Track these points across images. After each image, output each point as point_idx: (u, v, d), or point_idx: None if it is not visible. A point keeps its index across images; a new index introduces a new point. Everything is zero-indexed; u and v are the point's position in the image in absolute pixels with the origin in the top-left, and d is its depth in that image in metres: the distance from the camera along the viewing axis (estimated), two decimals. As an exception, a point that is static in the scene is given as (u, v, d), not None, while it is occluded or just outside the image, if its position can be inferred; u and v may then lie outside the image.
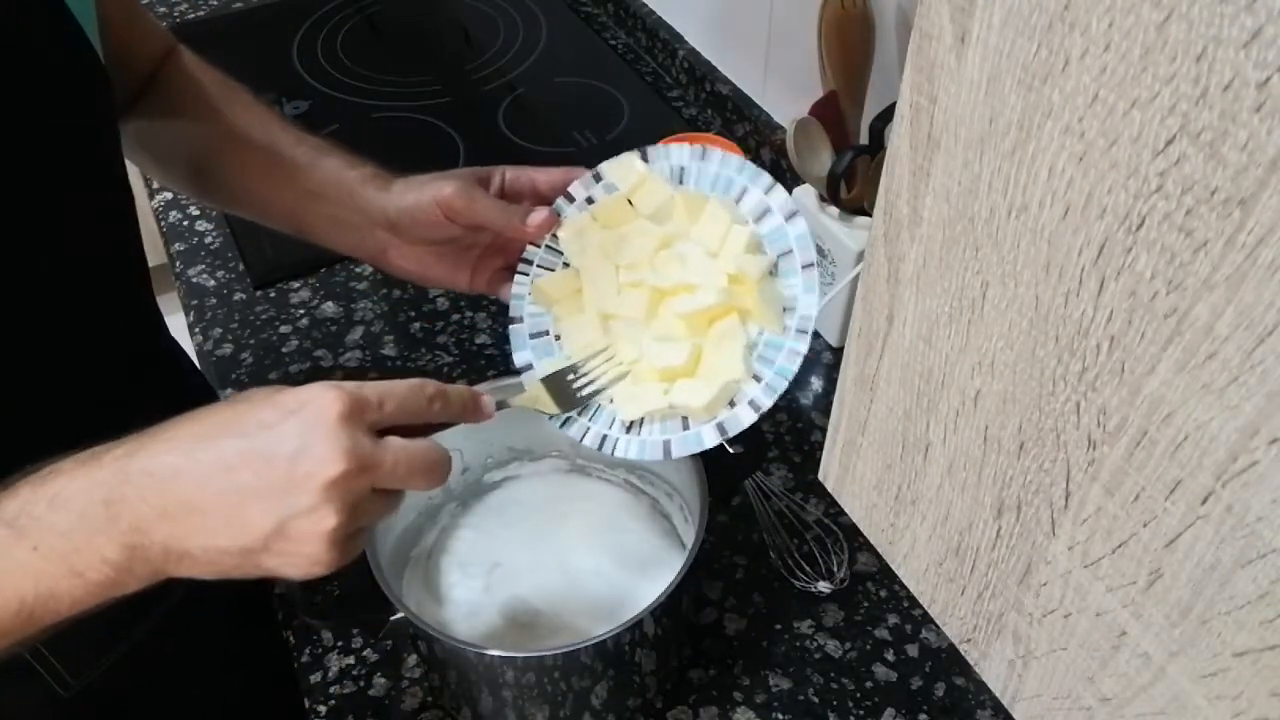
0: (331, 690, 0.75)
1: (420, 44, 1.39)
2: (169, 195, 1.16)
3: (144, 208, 0.89)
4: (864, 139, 0.86)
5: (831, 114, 0.91)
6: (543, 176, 0.68)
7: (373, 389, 0.48)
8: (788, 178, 0.90)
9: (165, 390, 0.74)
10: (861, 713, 0.74)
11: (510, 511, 0.80)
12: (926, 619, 0.78)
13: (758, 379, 0.61)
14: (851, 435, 0.45)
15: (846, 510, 0.47)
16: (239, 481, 0.45)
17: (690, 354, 0.62)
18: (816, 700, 0.74)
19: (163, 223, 1.13)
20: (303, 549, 0.46)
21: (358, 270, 1.06)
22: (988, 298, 0.33)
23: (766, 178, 0.64)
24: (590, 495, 0.81)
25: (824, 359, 0.98)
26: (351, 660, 0.77)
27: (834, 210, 0.90)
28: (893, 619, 0.79)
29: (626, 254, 0.65)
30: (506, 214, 0.65)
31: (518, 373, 0.67)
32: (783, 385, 0.60)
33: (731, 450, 0.66)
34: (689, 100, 1.27)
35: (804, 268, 0.61)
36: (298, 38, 1.39)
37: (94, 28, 0.59)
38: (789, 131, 0.87)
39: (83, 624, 0.48)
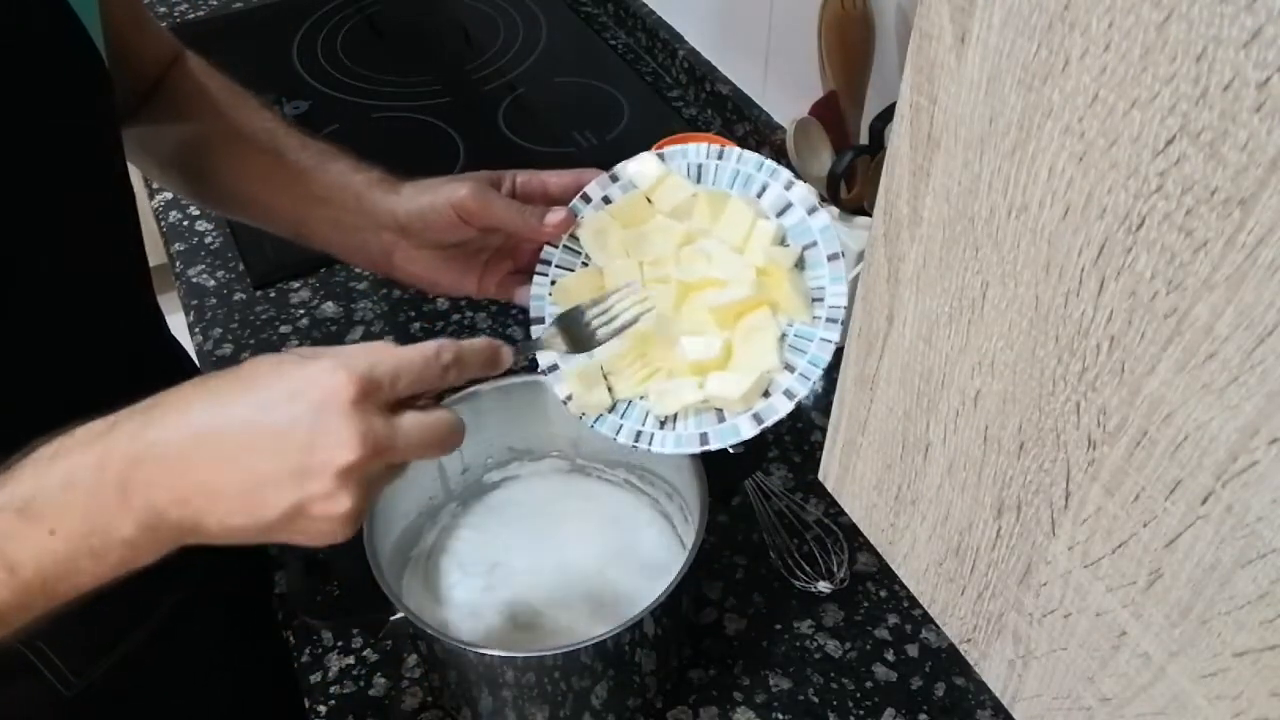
0: (331, 690, 0.75)
1: (420, 44, 1.39)
2: (169, 195, 1.16)
3: (144, 208, 0.89)
4: (864, 139, 0.86)
5: (831, 114, 0.91)
6: (554, 179, 0.67)
7: (385, 368, 0.48)
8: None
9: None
10: (861, 713, 0.74)
11: (510, 511, 0.80)
12: (926, 619, 0.78)
13: (790, 369, 0.61)
14: (851, 435, 0.45)
15: (846, 510, 0.47)
16: (253, 466, 0.45)
17: (722, 348, 0.62)
18: (816, 700, 0.74)
19: (163, 223, 1.13)
20: (318, 526, 0.47)
21: (358, 270, 1.06)
22: (988, 298, 0.33)
23: (786, 173, 0.64)
24: (590, 495, 0.81)
25: (824, 359, 0.98)
26: (351, 660, 0.77)
27: (834, 210, 0.90)
28: (893, 619, 0.79)
29: (649, 251, 0.65)
30: (523, 215, 0.64)
31: (536, 365, 0.66)
32: (816, 374, 0.60)
33: (732, 450, 0.66)
34: (689, 100, 1.27)
35: (830, 259, 0.62)
36: (298, 38, 1.39)
37: (97, 28, 0.59)
38: (789, 131, 0.87)
39: (84, 624, 0.48)
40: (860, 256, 0.88)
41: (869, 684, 0.75)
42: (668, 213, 0.65)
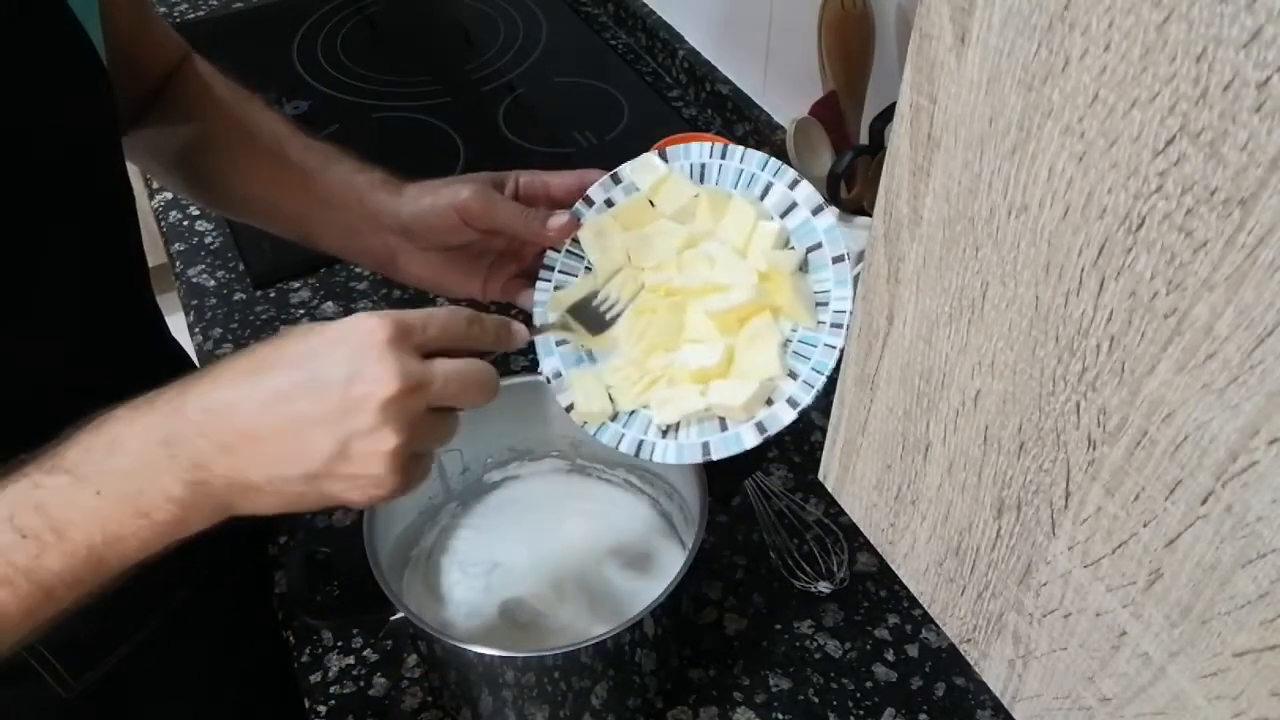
0: (331, 690, 0.75)
1: (420, 44, 1.39)
2: (169, 195, 1.16)
3: (144, 208, 0.89)
4: (864, 139, 0.86)
5: (831, 114, 0.91)
6: (556, 181, 0.67)
7: (414, 314, 0.49)
8: (788, 178, 0.90)
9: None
10: (861, 713, 0.74)
11: (510, 511, 0.80)
12: (926, 619, 0.78)
13: (794, 376, 0.60)
14: (851, 435, 0.45)
15: (846, 510, 0.47)
16: (296, 410, 0.46)
17: (723, 354, 0.61)
18: (816, 700, 0.74)
19: (163, 223, 1.13)
20: (366, 470, 0.47)
21: (358, 270, 1.06)
22: (988, 298, 0.33)
23: (791, 173, 0.63)
24: (590, 495, 0.81)
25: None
26: (351, 660, 0.77)
27: (834, 210, 0.90)
28: (893, 619, 0.79)
29: (651, 255, 0.65)
30: (525, 218, 0.64)
31: (537, 369, 0.66)
32: (820, 381, 0.59)
33: (732, 451, 0.66)
34: (689, 100, 1.27)
35: (834, 261, 0.61)
36: (298, 38, 1.39)
37: (96, 29, 0.59)
38: (789, 131, 0.87)
39: (84, 625, 0.48)
40: (860, 256, 0.87)
41: (869, 684, 0.75)
42: (670, 215, 0.65)
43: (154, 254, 0.82)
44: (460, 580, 0.75)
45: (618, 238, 0.65)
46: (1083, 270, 0.29)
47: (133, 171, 0.68)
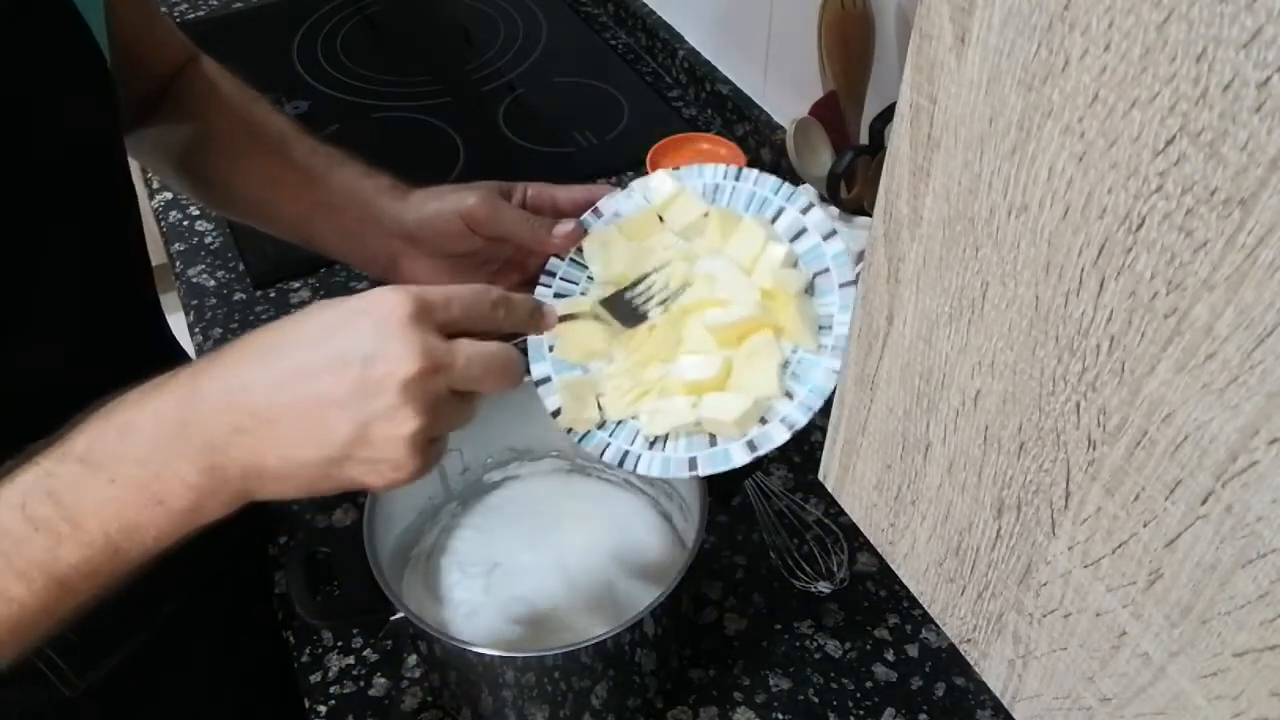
0: (331, 690, 0.75)
1: (420, 44, 1.39)
2: (169, 195, 1.16)
3: (144, 208, 0.89)
4: (864, 139, 0.86)
5: (831, 114, 0.91)
6: (564, 194, 0.67)
7: (437, 291, 0.48)
8: (787, 178, 0.90)
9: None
10: (861, 713, 0.74)
11: (510, 511, 0.80)
12: (926, 619, 0.78)
13: (790, 396, 0.59)
14: (851, 435, 0.45)
15: (846, 510, 0.47)
16: (315, 389, 0.45)
17: (720, 368, 0.60)
18: (816, 700, 0.74)
19: (163, 223, 1.13)
20: (385, 453, 0.46)
21: (358, 271, 1.06)
22: (988, 298, 0.33)
23: (804, 198, 0.63)
24: (590, 495, 0.81)
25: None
26: (351, 660, 0.77)
27: (834, 210, 0.90)
28: (893, 619, 0.79)
29: (649, 266, 0.64)
30: (531, 226, 0.64)
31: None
32: (818, 403, 0.58)
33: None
34: (689, 100, 1.27)
35: (841, 286, 0.60)
36: (298, 38, 1.39)
37: (101, 27, 0.59)
38: (789, 131, 0.87)
39: (86, 625, 0.48)
40: (860, 256, 0.87)
41: (869, 684, 0.75)
42: (678, 231, 0.64)
43: (154, 254, 0.81)
44: (460, 580, 0.75)
45: (620, 247, 0.65)
46: (1083, 270, 0.29)
47: (133, 171, 0.67)
